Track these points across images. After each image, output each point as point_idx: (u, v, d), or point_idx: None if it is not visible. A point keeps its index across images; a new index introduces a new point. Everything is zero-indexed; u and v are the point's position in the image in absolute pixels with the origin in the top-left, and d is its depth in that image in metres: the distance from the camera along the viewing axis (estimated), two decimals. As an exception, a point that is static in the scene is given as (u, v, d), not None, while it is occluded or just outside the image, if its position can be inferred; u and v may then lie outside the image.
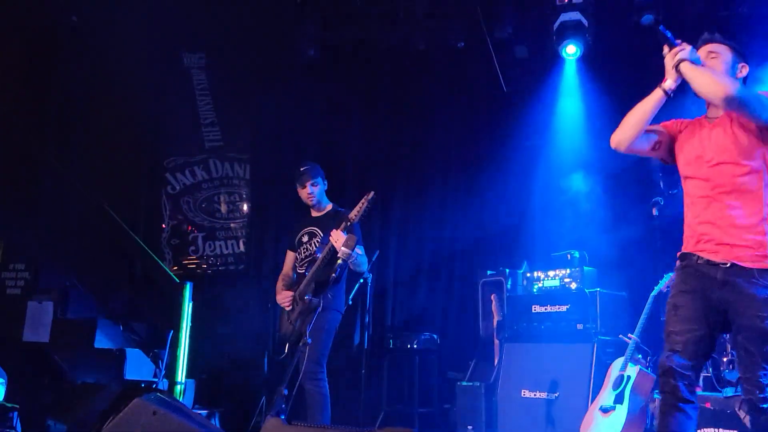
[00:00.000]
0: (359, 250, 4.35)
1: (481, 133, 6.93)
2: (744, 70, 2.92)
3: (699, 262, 2.85)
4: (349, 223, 4.27)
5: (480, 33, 6.19)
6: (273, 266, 6.51)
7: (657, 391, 4.27)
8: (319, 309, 4.01)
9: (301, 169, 4.70)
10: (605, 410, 4.40)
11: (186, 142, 7.41)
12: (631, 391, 4.35)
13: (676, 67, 2.82)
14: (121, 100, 6.77)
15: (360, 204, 4.29)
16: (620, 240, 6.10)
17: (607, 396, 4.47)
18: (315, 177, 4.66)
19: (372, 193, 4.30)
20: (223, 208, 7.31)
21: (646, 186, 5.73)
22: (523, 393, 5.23)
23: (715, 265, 2.79)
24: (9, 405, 4.58)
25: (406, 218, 6.99)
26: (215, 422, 5.65)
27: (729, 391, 3.85)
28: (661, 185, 5.02)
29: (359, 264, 4.47)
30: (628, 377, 4.42)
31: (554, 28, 5.95)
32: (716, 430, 3.78)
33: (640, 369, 4.43)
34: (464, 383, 5.63)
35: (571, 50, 6.04)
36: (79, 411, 4.82)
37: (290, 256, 4.73)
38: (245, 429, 5.73)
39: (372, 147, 7.05)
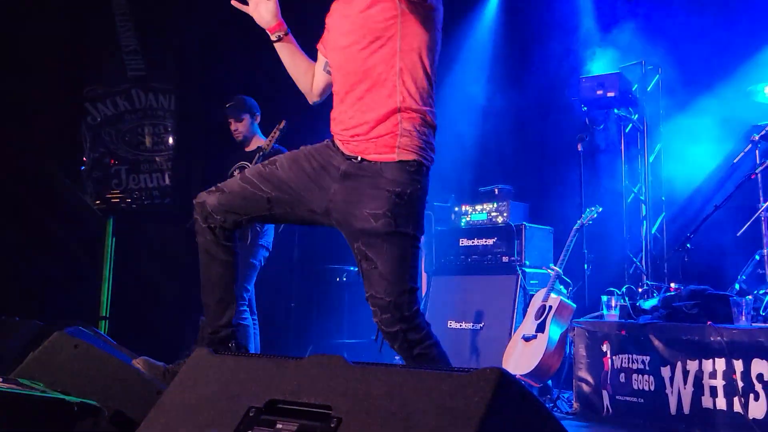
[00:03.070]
0: None
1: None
2: None
3: None
4: (261, 153, 4.28)
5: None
6: (200, 200, 6.37)
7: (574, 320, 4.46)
8: (247, 242, 4.05)
9: (227, 105, 4.67)
10: (527, 339, 4.57)
11: (106, 70, 7.08)
12: (552, 320, 4.52)
13: None
14: (33, 22, 6.39)
15: (272, 133, 4.33)
16: (545, 175, 6.24)
17: (529, 325, 4.64)
18: (240, 113, 4.63)
19: (284, 122, 4.31)
20: (148, 140, 7.07)
21: (571, 122, 5.84)
22: (449, 324, 5.38)
23: None
24: None
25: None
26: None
27: (643, 319, 4.04)
28: (586, 121, 5.12)
29: None
30: (550, 307, 4.59)
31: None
32: (630, 355, 3.97)
33: (561, 299, 4.60)
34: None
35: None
36: (-2, 347, 4.70)
37: None
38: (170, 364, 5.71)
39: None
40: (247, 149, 4.72)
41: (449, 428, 1.23)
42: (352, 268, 6.14)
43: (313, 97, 2.68)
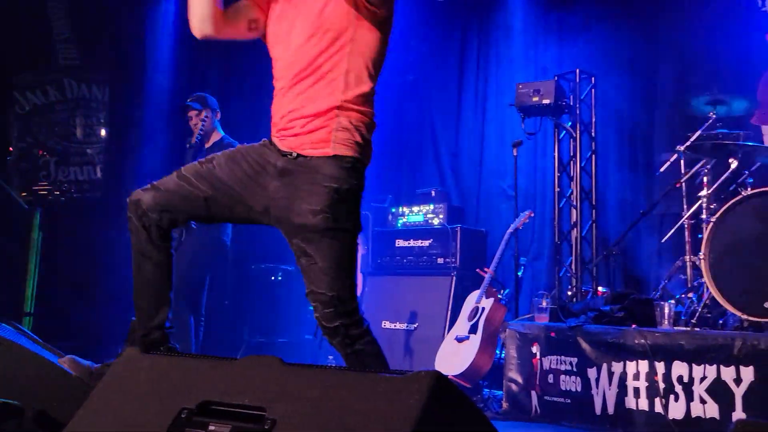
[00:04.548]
0: None
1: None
2: None
3: None
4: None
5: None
6: (132, 195, 6.22)
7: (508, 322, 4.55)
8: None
9: (188, 99, 4.69)
10: (460, 340, 4.64)
11: (37, 58, 6.84)
12: (484, 321, 4.60)
13: None
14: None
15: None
16: (482, 178, 6.34)
17: (462, 327, 4.71)
18: (203, 107, 4.65)
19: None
20: (79, 131, 6.87)
21: (509, 127, 5.95)
22: (383, 324, 5.41)
23: None
24: None
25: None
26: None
27: (572, 322, 4.15)
28: (522, 127, 5.22)
29: None
30: (483, 309, 4.67)
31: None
32: (559, 357, 4.08)
33: (494, 301, 4.69)
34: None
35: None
36: None
37: None
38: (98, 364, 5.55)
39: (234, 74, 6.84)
40: (207, 145, 4.68)
41: (385, 430, 1.24)
42: (286, 267, 6.11)
43: (205, 29, 2.48)
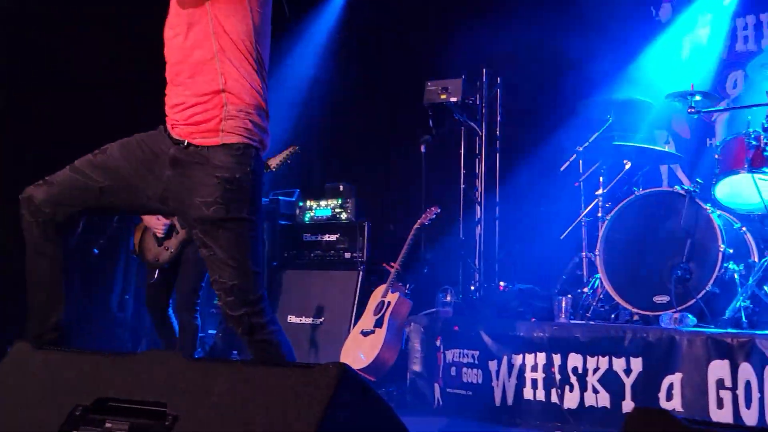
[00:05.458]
0: None
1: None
2: None
3: None
4: (270, 169, 4.64)
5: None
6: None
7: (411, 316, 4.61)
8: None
9: None
10: (365, 334, 4.66)
11: None
12: (390, 316, 4.64)
13: None
14: None
15: (283, 154, 4.76)
16: (390, 173, 6.39)
17: (368, 321, 4.73)
18: None
19: (296, 147, 4.81)
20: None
21: (417, 123, 6.01)
22: (289, 318, 5.36)
23: None
24: None
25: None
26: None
27: (474, 316, 4.25)
28: (430, 123, 5.30)
29: None
30: (388, 303, 4.71)
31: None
32: (461, 350, 4.16)
33: (400, 295, 4.73)
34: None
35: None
36: None
37: None
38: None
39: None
40: None
41: (291, 424, 1.23)
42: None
43: None
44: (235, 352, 5.27)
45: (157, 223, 4.30)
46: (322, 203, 5.71)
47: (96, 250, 4.63)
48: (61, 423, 1.50)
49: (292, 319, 5.35)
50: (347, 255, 5.38)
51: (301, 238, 5.59)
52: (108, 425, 1.47)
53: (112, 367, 1.58)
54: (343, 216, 5.58)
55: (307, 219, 5.73)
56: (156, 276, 4.31)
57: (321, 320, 5.25)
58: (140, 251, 4.41)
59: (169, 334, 4.30)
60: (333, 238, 5.48)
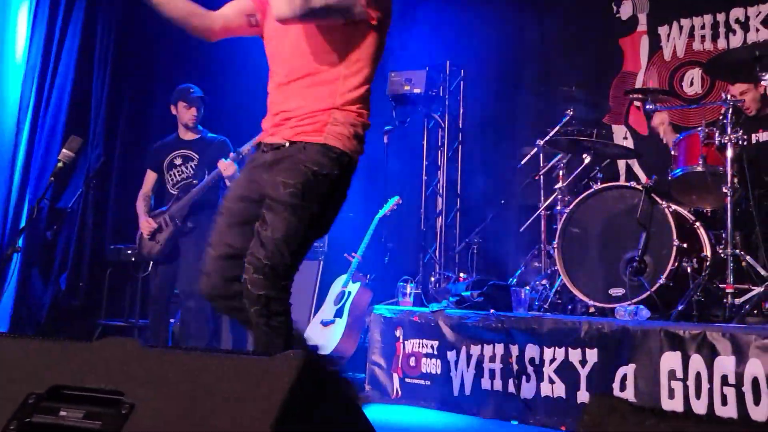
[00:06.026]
0: None
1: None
2: None
3: None
4: (240, 156, 4.51)
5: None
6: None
7: (373, 305, 4.62)
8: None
9: (192, 92, 4.77)
10: (325, 323, 4.66)
11: None
12: (350, 306, 4.65)
13: None
14: None
15: (254, 140, 4.58)
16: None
17: (328, 310, 4.73)
18: (204, 101, 4.80)
19: None
20: None
21: (381, 113, 6.01)
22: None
23: None
24: None
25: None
26: None
27: (434, 306, 4.28)
28: (393, 114, 5.30)
29: None
30: (349, 293, 4.71)
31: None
32: (421, 340, 4.19)
33: (360, 285, 4.74)
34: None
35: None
36: None
37: (151, 176, 4.86)
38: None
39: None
40: (185, 138, 4.80)
41: (251, 413, 1.23)
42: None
43: (215, 35, 2.61)
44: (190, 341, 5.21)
45: (146, 225, 4.64)
46: (284, 192, 5.66)
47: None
48: (14, 411, 1.47)
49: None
50: (308, 244, 5.37)
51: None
52: (63, 413, 1.45)
53: (67, 355, 1.55)
54: (305, 205, 5.56)
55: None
56: (150, 269, 4.64)
57: (281, 309, 5.23)
58: (139, 248, 4.73)
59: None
60: (294, 227, 5.45)
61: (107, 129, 5.91)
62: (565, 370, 3.57)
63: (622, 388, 3.37)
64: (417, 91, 5.42)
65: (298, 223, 2.33)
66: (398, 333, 4.31)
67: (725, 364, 3.08)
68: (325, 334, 4.61)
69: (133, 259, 5.49)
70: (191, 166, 4.74)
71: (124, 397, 1.40)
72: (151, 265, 4.69)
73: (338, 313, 4.65)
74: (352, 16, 2.38)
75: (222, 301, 2.48)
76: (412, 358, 4.19)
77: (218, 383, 1.32)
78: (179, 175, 4.79)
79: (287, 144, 2.41)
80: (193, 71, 5.59)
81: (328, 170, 2.37)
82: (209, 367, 1.36)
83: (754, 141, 4.35)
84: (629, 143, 5.39)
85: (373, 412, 4.08)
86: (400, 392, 4.23)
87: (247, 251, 2.35)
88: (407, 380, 4.21)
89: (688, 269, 3.85)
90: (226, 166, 4.47)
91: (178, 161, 4.81)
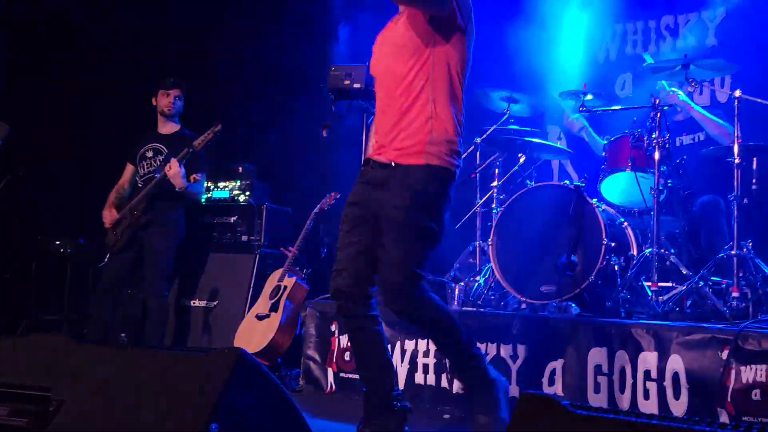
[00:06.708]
0: (197, 177, 4.82)
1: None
2: None
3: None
4: (190, 150, 4.60)
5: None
6: None
7: (309, 301, 4.62)
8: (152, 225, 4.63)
9: (170, 78, 4.82)
10: (260, 318, 4.63)
11: None
12: (286, 300, 4.63)
13: None
14: None
15: (206, 135, 4.69)
16: (291, 157, 6.34)
17: (263, 304, 4.70)
18: (181, 89, 4.83)
19: (219, 125, 4.72)
20: None
21: (320, 108, 5.99)
22: (183, 302, 5.25)
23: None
24: None
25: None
26: None
27: (370, 301, 4.29)
28: (333, 108, 5.29)
29: (195, 194, 4.92)
30: (285, 287, 4.69)
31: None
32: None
33: (296, 280, 4.73)
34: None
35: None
36: None
37: (129, 168, 4.96)
38: None
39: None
40: (162, 131, 4.90)
41: (185, 409, 1.22)
42: (76, 240, 5.70)
43: None
44: (123, 335, 5.11)
45: (105, 215, 4.76)
46: (220, 185, 5.59)
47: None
48: (-66, 408, 1.42)
49: (185, 302, 5.24)
50: (244, 238, 5.31)
51: (198, 219, 5.47)
52: (-14, 410, 1.41)
53: (-8, 351, 1.51)
54: (242, 198, 5.50)
55: (203, 201, 5.60)
56: (106, 259, 4.72)
57: (215, 303, 5.17)
58: (106, 239, 4.81)
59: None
60: (230, 220, 5.39)
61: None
62: (497, 365, 3.63)
63: (551, 382, 3.47)
64: (357, 85, 5.41)
65: (414, 241, 2.63)
66: (334, 328, 4.32)
67: (648, 359, 3.20)
68: (260, 328, 4.58)
69: (67, 251, 5.41)
70: (158, 160, 4.79)
71: (52, 393, 1.37)
72: (108, 256, 4.73)
73: (273, 307, 4.63)
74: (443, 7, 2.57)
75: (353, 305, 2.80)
76: (347, 353, 4.21)
77: (152, 380, 1.30)
78: (147, 167, 4.87)
79: (394, 164, 2.67)
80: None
81: (433, 188, 2.64)
82: (142, 364, 1.34)
83: (678, 144, 4.54)
84: (563, 143, 5.53)
85: (308, 406, 4.07)
86: (334, 386, 4.24)
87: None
88: (342, 375, 4.22)
89: (616, 267, 3.97)
90: (170, 166, 4.52)
91: (150, 154, 4.88)
